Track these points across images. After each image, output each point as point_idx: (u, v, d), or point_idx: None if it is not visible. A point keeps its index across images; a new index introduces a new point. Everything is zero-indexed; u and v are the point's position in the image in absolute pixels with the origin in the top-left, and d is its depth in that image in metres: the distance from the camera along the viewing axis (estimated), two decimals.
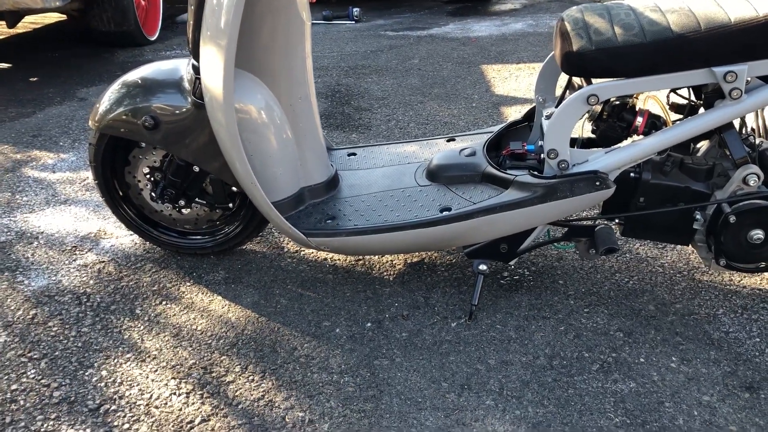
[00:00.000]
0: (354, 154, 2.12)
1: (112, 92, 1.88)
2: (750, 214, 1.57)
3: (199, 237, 2.03)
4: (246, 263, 2.04)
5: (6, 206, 2.44)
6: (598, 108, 1.67)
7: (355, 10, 6.22)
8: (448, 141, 2.09)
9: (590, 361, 1.61)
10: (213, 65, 1.58)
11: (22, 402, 1.52)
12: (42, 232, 2.25)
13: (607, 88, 1.57)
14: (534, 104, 1.97)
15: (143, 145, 1.89)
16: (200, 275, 1.99)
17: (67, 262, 2.07)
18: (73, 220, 2.33)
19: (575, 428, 1.42)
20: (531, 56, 4.54)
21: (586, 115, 1.68)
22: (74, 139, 3.13)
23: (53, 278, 1.98)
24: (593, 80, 1.63)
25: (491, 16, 6.12)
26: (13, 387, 1.56)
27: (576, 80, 1.76)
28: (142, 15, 5.19)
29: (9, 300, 1.88)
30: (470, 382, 1.55)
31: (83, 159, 2.87)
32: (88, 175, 2.69)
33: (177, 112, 1.76)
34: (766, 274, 1.87)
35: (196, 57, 1.67)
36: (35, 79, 4.27)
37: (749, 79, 1.52)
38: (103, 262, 2.07)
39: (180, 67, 1.85)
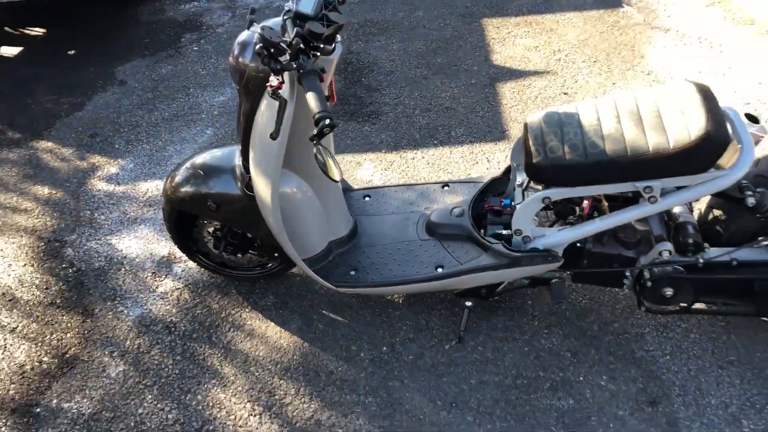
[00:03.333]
0: (368, 197, 2.66)
1: (182, 171, 2.40)
2: (662, 279, 2.13)
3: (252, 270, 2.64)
4: (289, 287, 2.66)
5: (90, 227, 3.04)
6: None
7: None
8: (443, 187, 2.61)
9: (544, 380, 2.25)
10: (262, 182, 2.09)
11: (148, 423, 2.21)
12: (125, 257, 2.87)
13: (557, 192, 2.08)
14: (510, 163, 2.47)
15: None
16: (255, 301, 2.62)
17: (151, 290, 2.70)
18: (145, 242, 2.93)
19: None
20: (529, 5, 4.80)
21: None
22: (126, 140, 3.65)
23: (145, 307, 2.63)
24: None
25: None
26: (140, 411, 2.25)
27: None
28: None
29: (117, 330, 2.54)
30: (457, 400, 2.21)
31: (139, 166, 3.41)
32: (147, 187, 3.25)
33: (233, 198, 2.30)
34: None
35: (245, 156, 2.19)
36: (73, 52, 4.68)
37: (664, 188, 2.02)
38: (179, 288, 2.70)
39: (233, 156, 2.35)
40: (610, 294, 2.51)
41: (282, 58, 1.78)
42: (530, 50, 4.23)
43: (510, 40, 4.35)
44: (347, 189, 2.69)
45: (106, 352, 2.45)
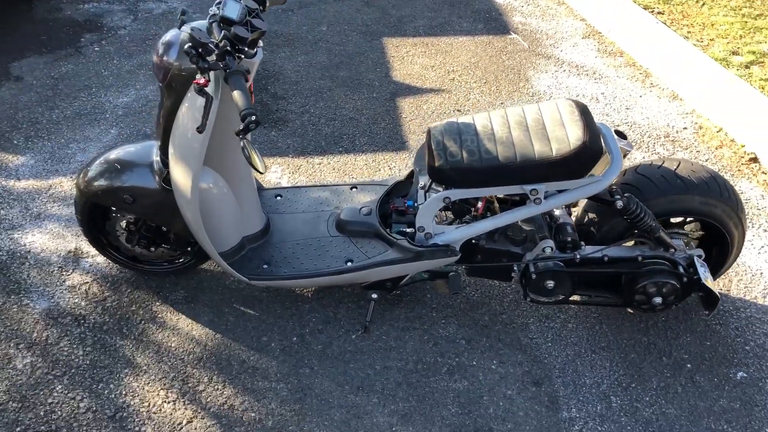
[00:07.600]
0: (280, 196, 2.80)
1: (97, 165, 2.45)
2: (544, 272, 2.41)
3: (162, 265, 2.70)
4: (199, 282, 2.74)
5: None
6: None
7: None
8: (351, 189, 2.79)
9: (442, 365, 2.47)
10: (182, 175, 2.19)
11: (59, 412, 2.23)
12: (29, 251, 2.84)
13: (455, 193, 2.32)
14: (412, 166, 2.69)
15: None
16: (165, 295, 2.68)
17: (58, 283, 2.70)
18: (50, 237, 2.92)
19: (428, 417, 2.29)
20: (425, 27, 5.11)
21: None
22: (26, 136, 3.59)
23: (52, 300, 2.62)
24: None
25: None
26: (49, 400, 2.27)
27: None
28: None
29: (23, 322, 2.53)
30: (363, 384, 2.39)
31: (41, 163, 3.37)
32: (51, 183, 3.22)
33: (150, 192, 2.38)
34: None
35: (164, 152, 2.28)
36: None
37: (547, 191, 2.30)
38: (87, 282, 2.71)
39: (151, 151, 2.43)
40: (499, 289, 2.78)
41: (209, 58, 1.91)
42: (427, 69, 4.52)
43: (408, 59, 4.62)
44: (259, 188, 2.81)
45: (12, 344, 2.44)
